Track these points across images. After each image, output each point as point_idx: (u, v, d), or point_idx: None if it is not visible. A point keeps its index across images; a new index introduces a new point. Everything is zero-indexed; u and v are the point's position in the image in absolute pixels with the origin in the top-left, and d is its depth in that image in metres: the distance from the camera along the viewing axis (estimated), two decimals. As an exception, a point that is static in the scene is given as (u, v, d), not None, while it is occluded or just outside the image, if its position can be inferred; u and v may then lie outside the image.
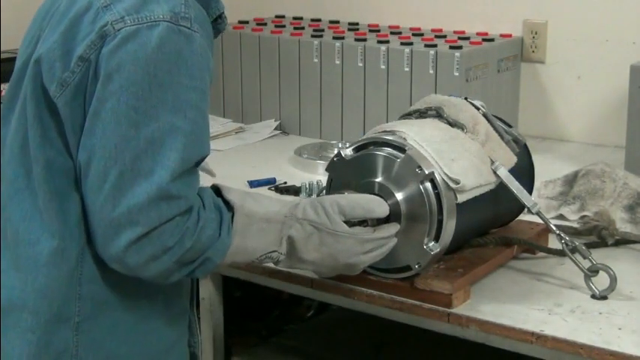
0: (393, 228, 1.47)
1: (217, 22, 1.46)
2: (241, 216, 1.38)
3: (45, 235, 1.36)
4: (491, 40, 2.48)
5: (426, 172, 1.46)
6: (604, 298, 1.52)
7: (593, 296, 1.53)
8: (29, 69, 1.38)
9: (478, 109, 1.64)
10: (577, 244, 1.55)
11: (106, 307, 1.37)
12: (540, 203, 1.71)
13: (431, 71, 2.31)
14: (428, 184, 1.47)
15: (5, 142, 1.42)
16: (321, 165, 2.17)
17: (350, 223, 1.43)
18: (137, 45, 1.29)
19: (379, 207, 1.46)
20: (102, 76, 1.30)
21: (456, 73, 2.28)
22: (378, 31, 2.61)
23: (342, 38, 2.48)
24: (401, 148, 1.49)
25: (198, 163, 1.34)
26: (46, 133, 1.37)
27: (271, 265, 1.44)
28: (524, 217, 1.71)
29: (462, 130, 1.58)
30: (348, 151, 1.55)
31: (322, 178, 1.98)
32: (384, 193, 1.48)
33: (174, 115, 1.30)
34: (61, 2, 1.40)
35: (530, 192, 1.67)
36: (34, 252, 1.36)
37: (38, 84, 1.36)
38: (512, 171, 1.57)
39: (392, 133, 1.54)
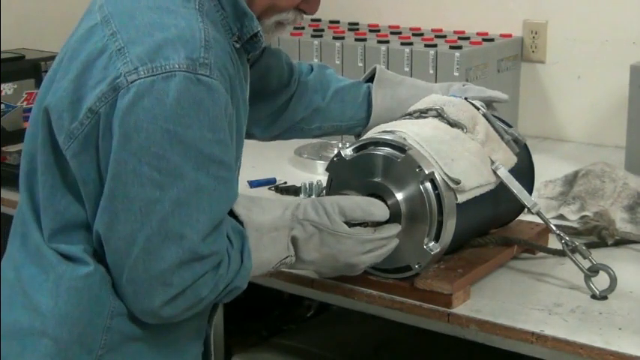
0: (394, 228, 1.46)
1: (253, 40, 1.39)
2: (252, 232, 1.37)
3: (65, 261, 1.33)
4: (491, 40, 2.48)
5: (426, 172, 1.46)
6: (604, 298, 1.52)
7: (593, 296, 1.53)
8: (40, 115, 1.34)
9: (478, 109, 1.64)
10: (577, 244, 1.55)
11: (133, 338, 1.35)
12: (540, 203, 1.71)
13: (431, 71, 2.31)
14: (428, 184, 1.47)
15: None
16: (321, 165, 2.17)
17: (350, 224, 1.43)
18: (154, 100, 1.23)
19: (379, 210, 1.45)
20: (118, 135, 1.24)
21: (456, 73, 2.28)
22: (378, 31, 2.61)
23: (342, 38, 2.48)
24: (401, 148, 1.49)
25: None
26: (57, 183, 1.33)
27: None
28: (524, 217, 1.71)
29: (462, 130, 1.58)
30: (348, 151, 1.55)
31: (322, 178, 1.98)
32: (384, 193, 1.48)
33: (198, 171, 1.25)
34: (75, 33, 1.36)
35: (530, 192, 1.67)
36: (56, 275, 1.33)
37: (48, 133, 1.33)
38: (512, 171, 1.57)
39: (392, 132, 1.54)
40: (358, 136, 1.78)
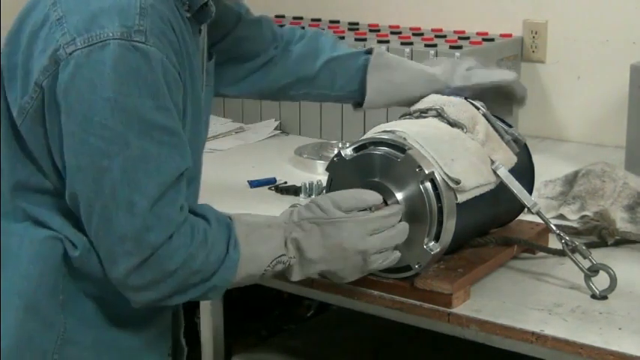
0: (394, 207, 1.45)
1: (203, 9, 1.41)
2: (241, 225, 1.37)
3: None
4: (491, 40, 2.48)
5: (426, 172, 1.46)
6: (604, 298, 1.52)
7: (593, 296, 1.53)
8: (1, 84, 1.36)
9: (478, 109, 1.64)
10: (577, 244, 1.55)
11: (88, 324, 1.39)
12: (540, 203, 1.71)
13: (431, 71, 2.31)
14: (428, 184, 1.46)
15: None
16: (321, 165, 2.17)
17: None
18: (92, 71, 1.25)
19: (371, 196, 1.44)
20: (64, 108, 1.27)
21: (456, 73, 2.28)
22: (378, 31, 2.61)
23: (342, 38, 2.48)
24: (401, 148, 1.49)
25: (181, 176, 1.32)
26: (16, 154, 1.36)
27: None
28: (525, 217, 1.71)
29: (462, 130, 1.58)
30: (348, 151, 1.54)
31: (322, 178, 1.98)
32: (384, 193, 1.48)
33: (142, 138, 1.27)
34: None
35: (530, 192, 1.66)
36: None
37: (6, 104, 1.35)
38: (512, 171, 1.57)
39: (392, 132, 1.54)
40: (355, 106, 1.79)
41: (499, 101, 1.74)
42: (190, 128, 1.41)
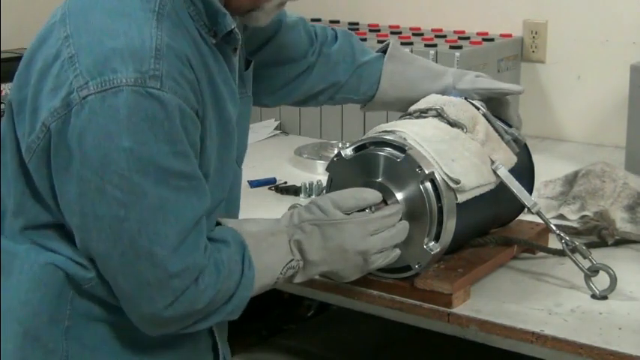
0: (394, 207, 1.45)
1: (230, 36, 1.37)
2: (248, 239, 1.36)
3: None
4: (491, 40, 2.48)
5: (426, 172, 1.46)
6: (604, 298, 1.52)
7: (593, 296, 1.53)
8: (7, 118, 1.34)
9: (478, 109, 1.64)
10: (577, 244, 1.55)
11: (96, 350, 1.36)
12: (540, 203, 1.71)
13: (431, 71, 2.31)
14: (428, 184, 1.47)
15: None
16: (321, 165, 2.17)
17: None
18: (107, 118, 1.21)
19: (371, 194, 1.44)
20: (77, 154, 1.23)
21: (456, 73, 2.28)
22: (378, 31, 2.61)
23: (342, 38, 2.47)
24: (401, 148, 1.49)
25: (200, 219, 1.29)
26: (25, 192, 1.33)
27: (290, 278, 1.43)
28: (525, 217, 1.71)
29: (462, 130, 1.58)
30: (348, 151, 1.54)
31: (322, 178, 1.98)
32: (384, 193, 1.48)
33: (159, 186, 1.23)
34: (42, 27, 1.35)
35: (530, 192, 1.67)
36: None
37: (16, 140, 1.33)
38: (512, 171, 1.57)
39: (392, 132, 1.54)
40: (363, 106, 1.79)
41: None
42: (218, 150, 1.38)
